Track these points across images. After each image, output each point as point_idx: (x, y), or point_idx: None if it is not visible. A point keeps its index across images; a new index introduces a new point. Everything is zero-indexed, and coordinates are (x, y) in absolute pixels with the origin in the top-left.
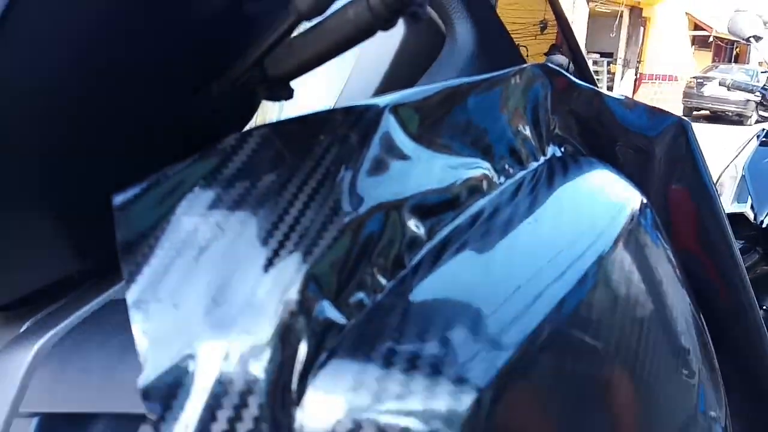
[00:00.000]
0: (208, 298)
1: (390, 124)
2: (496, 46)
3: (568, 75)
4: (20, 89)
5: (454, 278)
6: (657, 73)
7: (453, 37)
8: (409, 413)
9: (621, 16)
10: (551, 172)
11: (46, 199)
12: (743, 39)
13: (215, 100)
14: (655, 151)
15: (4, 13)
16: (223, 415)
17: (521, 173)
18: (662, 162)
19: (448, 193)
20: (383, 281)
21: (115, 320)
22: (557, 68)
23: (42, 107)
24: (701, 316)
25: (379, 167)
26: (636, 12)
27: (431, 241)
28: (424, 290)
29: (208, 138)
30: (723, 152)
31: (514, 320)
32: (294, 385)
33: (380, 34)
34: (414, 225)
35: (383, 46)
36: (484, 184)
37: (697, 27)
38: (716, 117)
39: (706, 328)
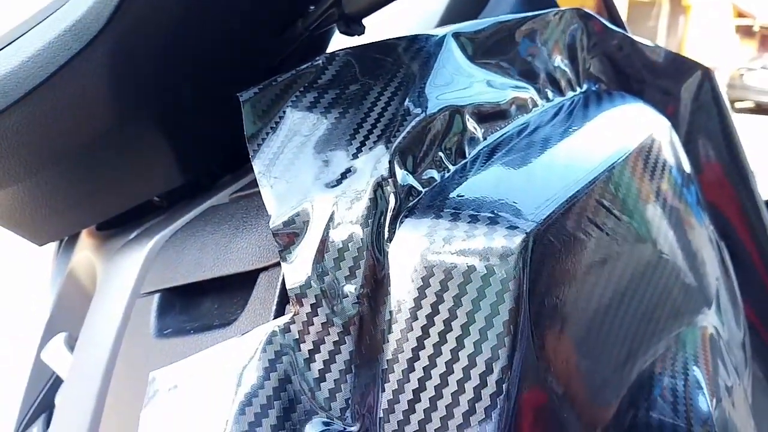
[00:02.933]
0: (315, 168)
1: (452, 46)
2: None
3: (601, 19)
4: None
5: (503, 168)
6: None
7: None
8: (472, 252)
9: (660, 4)
10: (587, 101)
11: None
12: None
13: (295, 40)
14: (681, 94)
15: None
16: (333, 246)
17: (560, 99)
18: (688, 106)
19: (500, 107)
20: (449, 165)
21: (218, 218)
22: (592, 12)
23: (162, 45)
24: (720, 242)
25: (444, 79)
26: (676, 0)
27: (486, 141)
28: (481, 173)
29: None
30: None
31: (550, 190)
32: (386, 229)
33: None
34: (473, 126)
35: (434, 3)
36: (530, 104)
37: (740, 15)
38: (761, 109)
39: (725, 249)
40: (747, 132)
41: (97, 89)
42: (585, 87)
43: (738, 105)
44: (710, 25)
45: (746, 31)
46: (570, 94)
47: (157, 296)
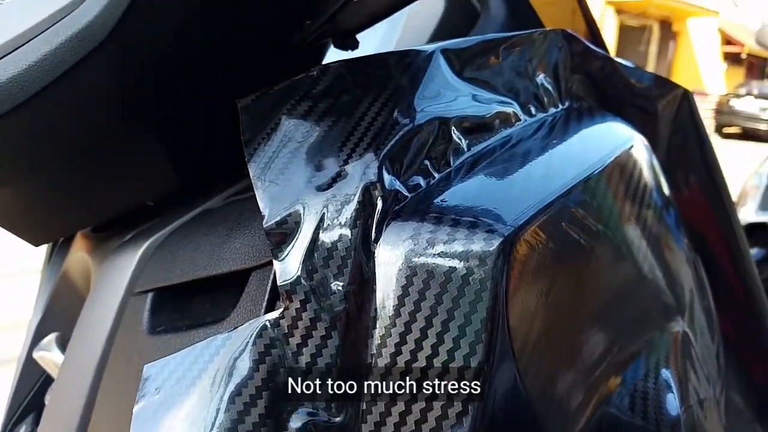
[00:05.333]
0: (308, 172)
1: (440, 62)
2: (523, 22)
3: (584, 40)
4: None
5: (485, 177)
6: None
7: (486, 13)
8: (453, 254)
9: (651, 29)
10: (568, 117)
11: (155, 136)
12: None
13: (292, 51)
14: (660, 114)
15: None
16: (323, 246)
17: (542, 115)
18: (667, 126)
19: (484, 120)
20: (434, 173)
21: (212, 220)
22: (575, 34)
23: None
24: (696, 254)
25: (432, 92)
26: (666, 26)
27: (470, 152)
28: (465, 182)
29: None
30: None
31: (529, 198)
32: (373, 231)
33: (422, 12)
34: (458, 137)
35: (425, 21)
36: (513, 118)
37: (729, 42)
38: (748, 135)
39: (700, 263)
40: (734, 158)
41: (99, 95)
42: (567, 104)
43: (726, 130)
44: (699, 51)
45: (734, 58)
46: (552, 110)
47: (150, 295)
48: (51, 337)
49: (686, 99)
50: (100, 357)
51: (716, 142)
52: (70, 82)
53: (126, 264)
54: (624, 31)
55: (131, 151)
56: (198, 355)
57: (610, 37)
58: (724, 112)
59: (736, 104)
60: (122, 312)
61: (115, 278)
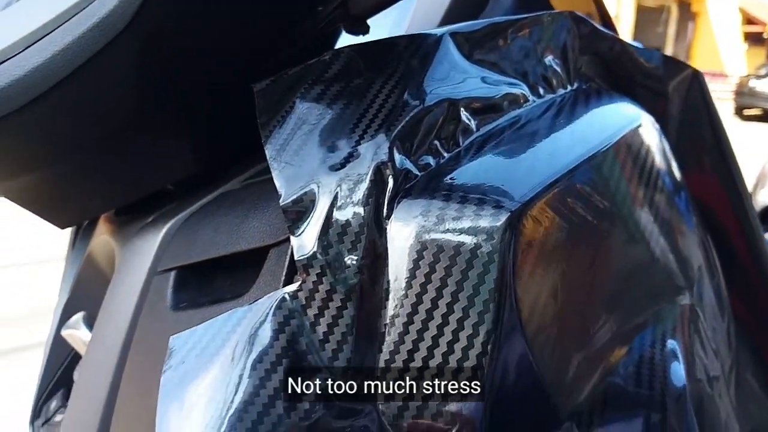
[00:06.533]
0: (321, 153)
1: (449, 45)
2: (533, 5)
3: (592, 22)
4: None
5: (493, 156)
6: (706, 70)
7: None
8: (461, 229)
9: (669, 10)
10: (576, 98)
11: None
12: None
13: (304, 37)
14: (671, 94)
15: None
16: (337, 222)
17: (551, 96)
18: (677, 106)
19: (493, 101)
20: (444, 152)
21: (230, 201)
22: (583, 15)
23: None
24: (706, 234)
25: (441, 75)
26: (685, 6)
27: (479, 132)
28: (473, 161)
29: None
30: None
31: (536, 176)
32: (385, 208)
33: None
34: (467, 118)
35: (434, 5)
36: (521, 99)
37: (750, 22)
38: None
39: (710, 242)
40: (755, 140)
41: (121, 82)
42: (576, 85)
43: (746, 112)
44: (719, 32)
45: (755, 38)
46: (561, 91)
47: (173, 273)
48: (78, 316)
49: (696, 79)
50: (126, 332)
51: (737, 124)
52: (93, 69)
53: (149, 244)
54: (642, 11)
55: (152, 137)
56: (221, 326)
57: (627, 18)
58: (744, 94)
59: (757, 85)
60: (146, 290)
61: (138, 258)
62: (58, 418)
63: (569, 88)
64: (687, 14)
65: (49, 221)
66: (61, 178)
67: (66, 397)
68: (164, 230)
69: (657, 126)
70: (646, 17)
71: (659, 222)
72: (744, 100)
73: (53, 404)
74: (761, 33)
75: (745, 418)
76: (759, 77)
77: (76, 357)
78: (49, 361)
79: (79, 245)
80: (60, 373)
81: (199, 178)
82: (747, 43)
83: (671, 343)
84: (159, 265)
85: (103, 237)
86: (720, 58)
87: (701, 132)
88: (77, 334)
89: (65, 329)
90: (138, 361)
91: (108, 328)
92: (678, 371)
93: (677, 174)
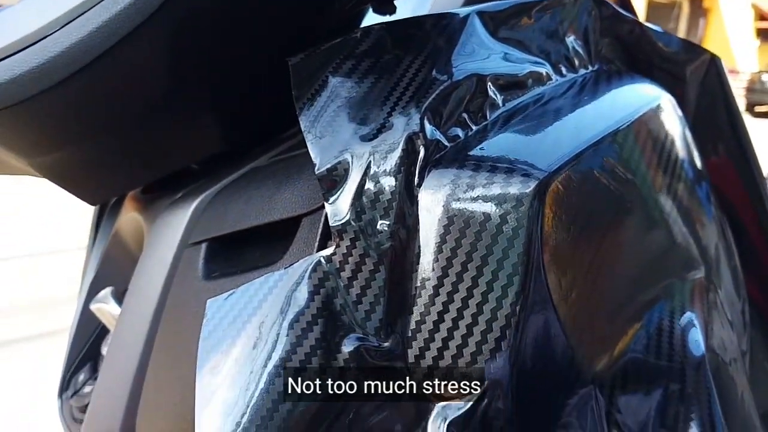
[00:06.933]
0: (354, 125)
1: (475, 23)
2: None
3: (613, 5)
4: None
5: (519, 130)
6: None
7: None
8: (490, 197)
9: (680, 5)
10: (598, 78)
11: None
12: None
13: (332, 17)
14: (688, 78)
15: None
16: (370, 190)
17: (573, 75)
18: (695, 90)
19: (518, 78)
20: (472, 125)
21: (261, 176)
22: None
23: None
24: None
25: (467, 51)
26: (696, 2)
27: (504, 107)
28: (501, 134)
29: None
30: None
31: (561, 148)
32: (416, 177)
33: None
34: (493, 93)
35: None
36: (545, 77)
37: (762, 18)
38: None
39: (725, 221)
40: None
41: (156, 61)
42: (597, 66)
43: (758, 109)
44: (731, 28)
45: (767, 34)
46: (582, 71)
47: (204, 245)
48: (107, 291)
49: (714, 64)
50: (158, 303)
51: (748, 121)
52: (128, 48)
53: (179, 218)
54: (653, 7)
55: (183, 116)
56: (257, 289)
57: (638, 14)
58: (756, 90)
59: None
60: (177, 262)
61: (169, 232)
62: (87, 389)
63: (590, 68)
64: (698, 10)
65: (79, 197)
66: (92, 155)
67: (94, 370)
68: (194, 204)
69: (676, 104)
70: (657, 13)
71: (677, 197)
72: (755, 96)
73: (81, 376)
74: None
75: (758, 401)
76: None
77: (102, 331)
78: (76, 335)
79: (105, 225)
80: (87, 346)
81: (223, 157)
82: (759, 40)
83: (688, 315)
84: (190, 238)
85: (130, 215)
86: (731, 54)
87: (717, 116)
88: (106, 308)
89: (94, 303)
90: (170, 330)
91: (139, 299)
92: (697, 340)
93: (696, 152)
